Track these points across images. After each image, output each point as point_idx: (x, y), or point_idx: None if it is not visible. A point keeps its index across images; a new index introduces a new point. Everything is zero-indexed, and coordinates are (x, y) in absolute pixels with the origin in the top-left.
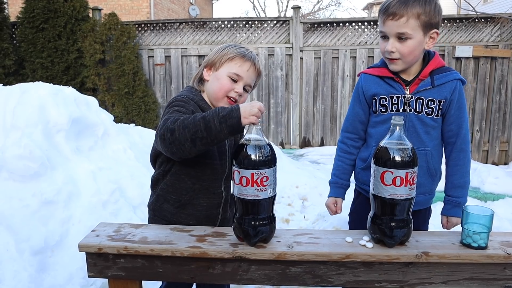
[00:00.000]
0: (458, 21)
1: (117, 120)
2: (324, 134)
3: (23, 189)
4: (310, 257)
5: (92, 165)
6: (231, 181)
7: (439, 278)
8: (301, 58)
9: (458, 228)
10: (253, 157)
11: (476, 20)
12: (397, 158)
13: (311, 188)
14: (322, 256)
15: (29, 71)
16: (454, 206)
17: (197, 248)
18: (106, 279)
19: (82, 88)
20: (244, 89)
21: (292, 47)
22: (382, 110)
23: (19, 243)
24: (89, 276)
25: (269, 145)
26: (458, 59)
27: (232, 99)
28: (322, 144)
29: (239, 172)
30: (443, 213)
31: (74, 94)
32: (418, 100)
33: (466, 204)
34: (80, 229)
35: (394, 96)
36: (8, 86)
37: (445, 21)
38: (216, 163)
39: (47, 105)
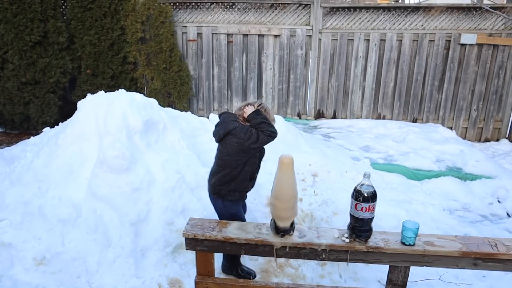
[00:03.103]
0: (466, 10)
1: (156, 92)
2: (336, 108)
3: (119, 180)
4: (314, 246)
5: (160, 157)
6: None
7: (386, 260)
8: (320, 39)
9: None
10: None
11: (483, 9)
12: (364, 196)
13: (321, 166)
14: (319, 245)
15: (79, 46)
16: None
17: (250, 237)
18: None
19: (124, 62)
20: None
21: (312, 29)
22: None
23: (121, 217)
24: (186, 249)
25: None
26: (463, 45)
27: None
28: (334, 117)
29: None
30: None
31: (143, 99)
32: None
33: (404, 220)
34: (158, 208)
35: None
36: (95, 97)
37: (454, 10)
38: (257, 163)
39: (127, 113)
